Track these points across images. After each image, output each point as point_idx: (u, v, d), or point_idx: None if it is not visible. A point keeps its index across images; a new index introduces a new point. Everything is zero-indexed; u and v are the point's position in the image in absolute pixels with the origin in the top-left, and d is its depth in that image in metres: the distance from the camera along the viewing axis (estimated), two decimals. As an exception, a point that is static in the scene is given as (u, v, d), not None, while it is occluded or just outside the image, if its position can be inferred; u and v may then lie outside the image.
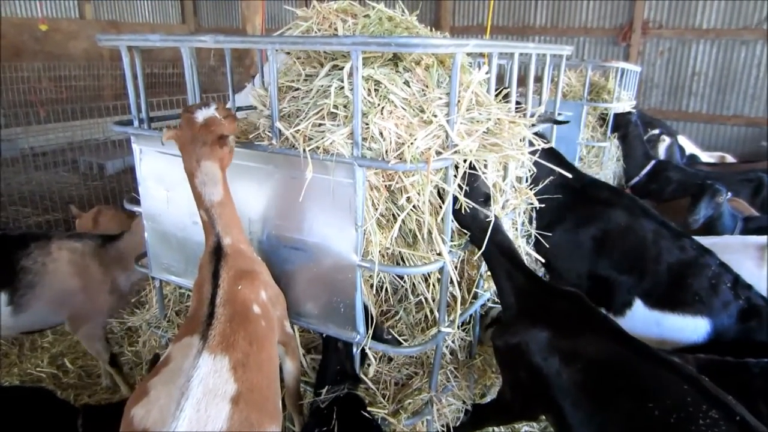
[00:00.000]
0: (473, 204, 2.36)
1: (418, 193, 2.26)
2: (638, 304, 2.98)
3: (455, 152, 2.17)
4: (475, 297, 2.72)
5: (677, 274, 2.91)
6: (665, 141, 5.96)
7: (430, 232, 2.36)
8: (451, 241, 2.43)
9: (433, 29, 2.89)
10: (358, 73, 1.99)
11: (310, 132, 2.21)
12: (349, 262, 2.23)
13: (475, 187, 2.35)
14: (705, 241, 3.14)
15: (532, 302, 2.32)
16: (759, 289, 2.86)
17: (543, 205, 2.97)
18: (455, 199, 2.32)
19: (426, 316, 2.61)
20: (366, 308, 2.34)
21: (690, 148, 6.80)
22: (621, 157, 5.60)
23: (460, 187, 2.33)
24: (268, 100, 2.33)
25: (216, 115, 2.08)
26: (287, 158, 2.26)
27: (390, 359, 2.67)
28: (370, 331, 2.32)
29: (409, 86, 2.33)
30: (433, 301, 2.56)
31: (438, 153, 2.16)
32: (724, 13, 8.41)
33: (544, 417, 2.42)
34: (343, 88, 2.24)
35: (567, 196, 3.23)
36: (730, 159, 6.77)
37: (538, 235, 3.14)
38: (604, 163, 5.53)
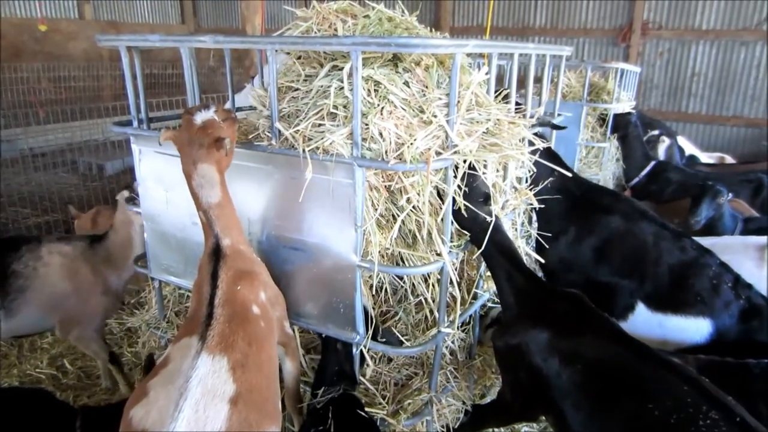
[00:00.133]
0: (473, 205, 2.35)
1: (418, 194, 2.26)
2: (641, 308, 2.97)
3: (455, 152, 2.17)
4: (475, 297, 2.72)
5: (678, 276, 2.91)
6: (665, 142, 5.96)
7: (429, 233, 2.35)
8: (451, 241, 2.43)
9: (433, 30, 2.89)
10: (357, 73, 1.99)
11: (310, 132, 2.21)
12: (348, 263, 2.23)
13: (474, 187, 2.35)
14: (705, 241, 3.14)
15: (533, 303, 2.32)
16: (759, 290, 2.86)
17: (543, 206, 2.96)
18: (455, 199, 2.31)
19: (426, 317, 2.61)
20: (365, 309, 2.34)
21: (689, 148, 6.80)
22: (621, 158, 5.61)
23: (460, 188, 2.32)
24: (268, 101, 2.33)
25: (214, 118, 2.07)
26: (287, 158, 2.26)
27: (390, 360, 2.67)
28: (370, 332, 2.32)
29: (408, 87, 2.33)
30: (433, 301, 2.55)
31: (438, 153, 2.16)
32: (724, 14, 8.41)
33: (544, 418, 2.42)
34: (342, 88, 2.24)
35: (568, 201, 3.22)
36: (729, 160, 6.77)
37: (538, 241, 3.13)
38: (603, 163, 5.53)
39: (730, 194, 4.08)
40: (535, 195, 2.88)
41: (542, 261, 3.10)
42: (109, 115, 7.00)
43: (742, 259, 3.14)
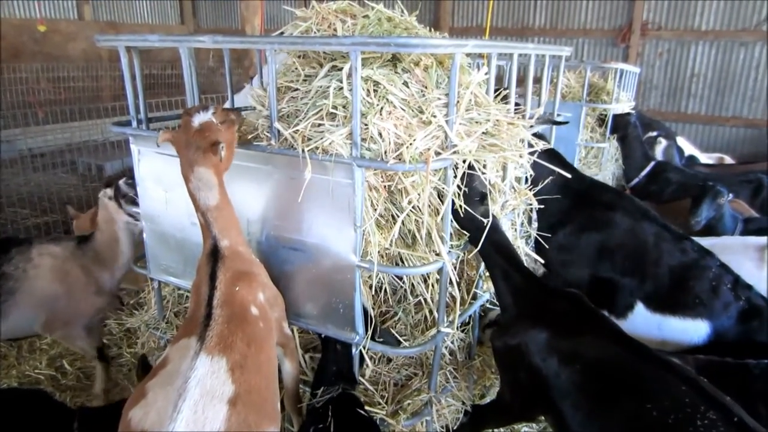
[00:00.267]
0: (470, 204, 2.35)
1: (418, 194, 2.26)
2: (640, 308, 2.97)
3: (454, 152, 2.17)
4: (475, 298, 2.72)
5: (678, 277, 2.91)
6: (662, 143, 5.96)
7: (429, 233, 2.35)
8: (450, 241, 2.43)
9: (432, 30, 2.89)
10: (357, 73, 1.98)
11: (309, 132, 2.21)
12: (348, 263, 2.23)
13: (471, 187, 2.35)
14: (705, 242, 3.14)
15: (531, 303, 2.32)
16: (760, 291, 2.86)
17: (544, 206, 2.97)
18: (454, 199, 2.31)
19: (425, 317, 2.61)
20: (365, 309, 2.34)
21: (689, 149, 6.80)
22: (620, 159, 5.61)
23: (460, 188, 2.32)
24: (267, 101, 2.32)
25: (212, 121, 2.07)
26: (286, 159, 2.26)
27: (389, 360, 2.67)
28: (369, 332, 2.31)
29: (408, 87, 2.33)
30: (432, 301, 2.55)
31: (437, 153, 2.15)
32: (723, 15, 8.42)
33: (543, 418, 2.41)
34: (342, 88, 2.23)
35: (569, 198, 3.22)
36: (728, 160, 6.77)
37: (539, 239, 3.13)
38: (603, 164, 5.53)
39: (731, 195, 4.08)
40: (536, 195, 2.88)
41: (542, 261, 3.09)
42: (108, 115, 6.98)
43: (742, 260, 3.14)
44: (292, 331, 2.53)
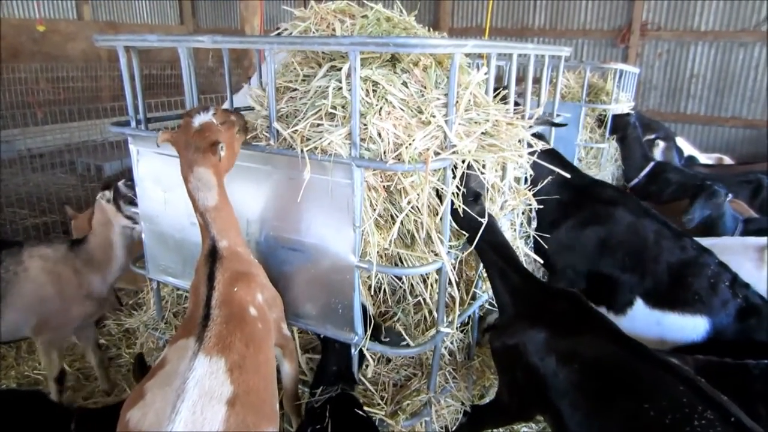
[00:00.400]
0: (465, 203, 2.35)
1: (417, 194, 2.25)
2: (639, 304, 2.98)
3: (453, 153, 2.16)
4: (474, 298, 2.71)
5: (678, 274, 2.93)
6: (659, 145, 5.97)
7: (428, 233, 2.35)
8: (449, 241, 2.42)
9: (432, 30, 2.89)
10: (356, 73, 1.98)
11: (308, 132, 2.20)
12: (347, 263, 2.22)
13: (468, 186, 2.35)
14: (705, 242, 3.15)
15: (529, 303, 2.32)
16: (759, 291, 2.86)
17: (545, 204, 2.97)
18: (453, 199, 2.31)
19: (424, 317, 2.60)
20: (364, 309, 2.33)
21: (688, 149, 6.81)
22: (620, 159, 5.60)
23: (458, 188, 2.32)
24: (266, 101, 2.32)
25: (212, 121, 2.06)
26: (285, 159, 2.26)
27: (388, 360, 2.66)
28: (368, 332, 2.31)
29: (407, 87, 2.32)
30: (432, 302, 2.55)
31: (436, 153, 2.15)
32: (723, 15, 8.42)
33: (542, 418, 2.41)
34: (341, 88, 2.23)
35: (571, 194, 3.23)
36: (727, 160, 6.77)
37: (538, 235, 3.13)
38: (602, 164, 5.53)
39: (730, 195, 4.08)
40: (535, 195, 2.87)
41: (542, 261, 3.09)
42: (107, 115, 6.97)
43: (742, 260, 3.14)
44: (292, 332, 2.53)
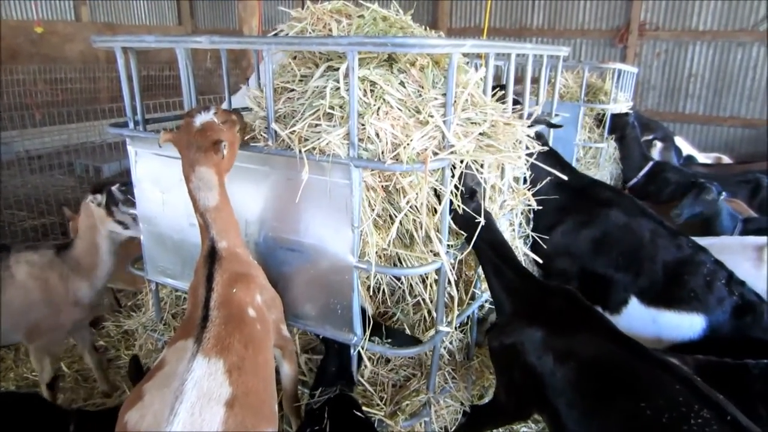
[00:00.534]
0: (463, 200, 2.35)
1: (416, 194, 2.25)
2: (634, 302, 2.99)
3: (452, 153, 2.16)
4: (473, 298, 2.71)
5: (673, 272, 2.94)
6: (657, 146, 5.98)
7: (427, 233, 2.34)
8: (448, 241, 2.42)
9: (429, 29, 2.88)
10: (354, 73, 1.98)
11: (306, 133, 2.20)
12: (345, 264, 2.22)
13: (465, 184, 2.35)
14: (704, 241, 3.15)
15: (527, 301, 2.32)
16: (757, 291, 2.87)
17: (542, 207, 2.97)
18: (451, 199, 2.31)
19: (424, 318, 2.60)
20: (363, 310, 2.33)
21: (687, 149, 6.82)
22: (618, 159, 5.61)
23: (457, 188, 2.32)
24: (264, 101, 2.32)
25: (214, 120, 2.06)
26: (283, 159, 2.25)
27: (388, 360, 2.66)
28: (367, 333, 2.31)
29: (404, 87, 2.32)
30: (431, 302, 2.54)
31: (434, 153, 2.15)
32: (721, 15, 8.43)
33: (541, 417, 2.41)
34: (338, 88, 2.23)
35: (566, 196, 3.23)
36: (726, 160, 6.78)
37: (536, 235, 3.13)
38: (601, 164, 5.53)
39: (724, 193, 4.09)
40: (534, 195, 2.87)
41: (540, 261, 3.09)
42: (105, 117, 6.96)
43: (741, 260, 3.15)
44: (291, 333, 2.52)
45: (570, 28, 9.68)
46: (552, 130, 3.54)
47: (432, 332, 2.43)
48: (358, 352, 2.38)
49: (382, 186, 2.30)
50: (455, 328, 2.53)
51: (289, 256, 2.40)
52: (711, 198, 4.00)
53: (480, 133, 2.31)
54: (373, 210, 2.27)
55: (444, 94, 2.19)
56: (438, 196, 2.35)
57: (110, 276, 3.29)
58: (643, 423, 1.77)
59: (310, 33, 2.56)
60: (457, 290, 2.49)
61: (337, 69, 2.25)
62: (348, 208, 2.14)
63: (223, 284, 1.96)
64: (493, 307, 2.91)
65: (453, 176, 2.27)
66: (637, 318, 2.96)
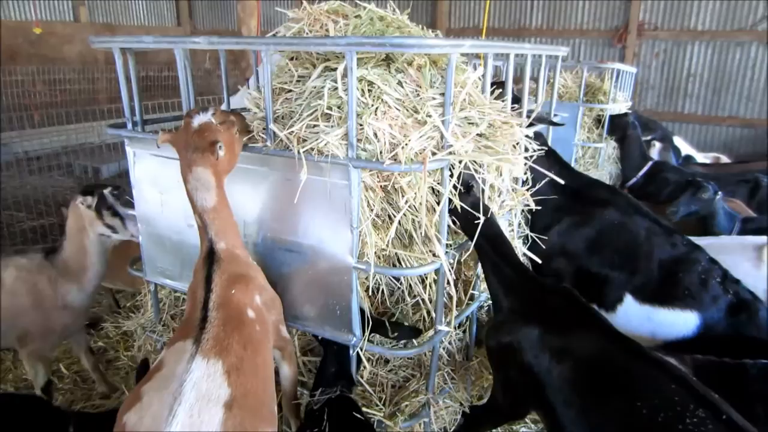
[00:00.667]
0: (460, 196, 2.35)
1: (414, 193, 2.25)
2: (629, 300, 2.99)
3: (450, 153, 2.16)
4: (472, 298, 2.71)
5: (668, 270, 2.95)
6: (656, 146, 5.99)
7: (426, 233, 2.34)
8: (447, 241, 2.42)
9: (428, 29, 2.88)
10: (352, 73, 1.98)
11: (304, 133, 2.20)
12: (344, 264, 2.22)
13: (461, 179, 2.35)
14: (703, 241, 3.15)
15: (524, 299, 2.32)
16: (757, 291, 2.87)
17: (539, 207, 2.97)
18: (450, 198, 2.30)
19: (423, 318, 2.60)
20: (362, 310, 2.33)
21: (685, 149, 6.82)
22: (618, 159, 5.61)
23: (456, 188, 2.32)
24: (262, 102, 2.31)
25: (211, 121, 2.06)
26: (282, 160, 2.25)
27: (387, 361, 2.66)
28: (366, 334, 2.30)
29: (402, 87, 2.32)
30: (430, 302, 2.54)
31: (432, 153, 2.15)
32: (719, 15, 8.44)
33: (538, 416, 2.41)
34: (336, 89, 2.22)
35: (563, 196, 3.24)
36: (725, 160, 6.79)
37: (535, 236, 3.13)
38: (600, 164, 5.53)
39: (721, 193, 4.10)
40: (533, 195, 2.87)
41: (539, 261, 3.09)
42: (104, 118, 6.96)
43: (740, 260, 3.15)
44: (291, 333, 2.52)
45: (569, 28, 9.68)
46: (551, 130, 3.54)
47: (431, 332, 2.43)
48: (357, 352, 2.38)
49: (381, 186, 2.30)
50: (454, 328, 2.52)
51: (287, 256, 2.40)
52: (707, 197, 4.01)
53: (478, 134, 2.31)
54: (371, 210, 2.26)
55: (442, 94, 2.19)
56: (435, 193, 2.34)
57: (102, 279, 3.26)
58: (639, 422, 1.78)
59: (307, 33, 2.56)
60: (456, 290, 2.49)
61: (335, 69, 2.25)
62: (347, 209, 2.14)
63: (222, 285, 1.96)
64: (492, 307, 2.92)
65: (452, 176, 2.27)
66: (633, 316, 2.97)
